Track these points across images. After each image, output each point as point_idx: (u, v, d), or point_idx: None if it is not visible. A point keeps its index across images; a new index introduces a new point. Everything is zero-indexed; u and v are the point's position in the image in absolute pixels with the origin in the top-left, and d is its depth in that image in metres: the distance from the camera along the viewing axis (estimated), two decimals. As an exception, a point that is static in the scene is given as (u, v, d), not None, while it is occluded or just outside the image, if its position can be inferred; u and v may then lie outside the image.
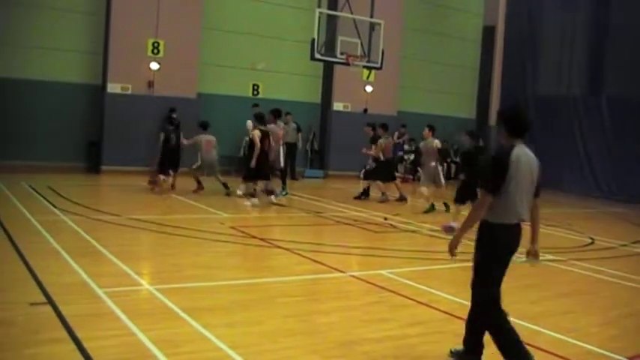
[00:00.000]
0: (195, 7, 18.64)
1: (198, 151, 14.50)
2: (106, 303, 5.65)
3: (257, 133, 12.67)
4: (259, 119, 12.99)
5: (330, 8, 18.47)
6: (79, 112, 17.99)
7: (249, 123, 13.78)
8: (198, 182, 14.34)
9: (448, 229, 10.67)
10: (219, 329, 5.14)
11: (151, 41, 17.97)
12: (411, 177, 21.18)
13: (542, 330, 5.70)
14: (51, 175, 15.25)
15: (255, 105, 16.92)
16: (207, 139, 14.40)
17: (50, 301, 5.55)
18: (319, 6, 16.54)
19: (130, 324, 5.11)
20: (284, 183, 14.94)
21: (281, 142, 14.39)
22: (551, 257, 9.28)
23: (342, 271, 7.62)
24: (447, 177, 22.32)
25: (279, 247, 8.82)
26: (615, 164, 19.28)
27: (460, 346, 4.83)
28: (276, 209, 12.83)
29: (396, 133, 21.82)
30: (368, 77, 21.35)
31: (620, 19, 19.91)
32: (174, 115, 17.40)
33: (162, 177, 14.15)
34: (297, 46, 19.75)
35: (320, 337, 5.19)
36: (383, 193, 14.84)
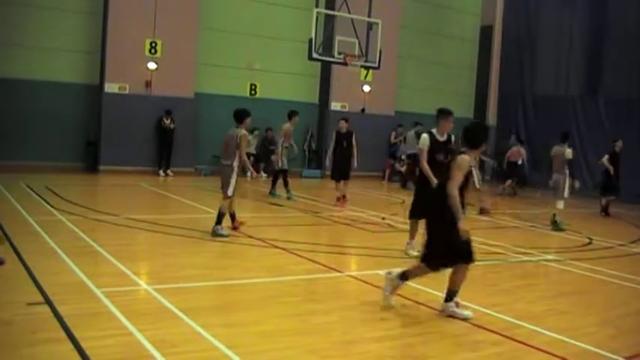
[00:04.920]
0: (192, 7, 18.64)
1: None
2: (104, 303, 5.64)
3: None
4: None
5: (327, 8, 18.47)
6: (76, 112, 18.00)
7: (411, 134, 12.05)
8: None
9: None
10: (217, 329, 5.13)
11: (148, 41, 17.97)
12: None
13: (540, 330, 5.70)
14: (49, 175, 15.23)
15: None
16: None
17: (48, 301, 5.54)
18: (317, 5, 16.54)
19: (127, 324, 5.10)
20: (286, 185, 14.37)
21: (286, 142, 14.40)
22: (549, 257, 9.29)
23: (339, 271, 7.62)
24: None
25: (276, 247, 8.81)
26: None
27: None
28: (275, 209, 12.83)
29: (393, 134, 21.83)
30: (366, 77, 21.36)
31: (618, 19, 19.92)
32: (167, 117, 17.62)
33: None
34: (294, 46, 19.76)
35: (318, 337, 5.18)
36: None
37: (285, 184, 14.22)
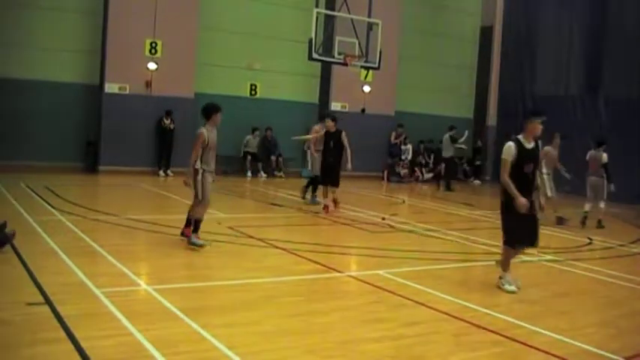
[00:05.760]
0: (192, 7, 18.64)
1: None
2: (104, 303, 5.64)
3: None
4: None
5: (327, 8, 18.49)
6: (76, 112, 18.00)
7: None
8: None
9: None
10: (217, 329, 5.14)
11: (148, 41, 17.97)
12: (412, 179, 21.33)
13: (539, 330, 5.70)
14: (48, 175, 15.23)
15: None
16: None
17: (48, 301, 5.54)
18: (317, 6, 16.56)
19: (127, 324, 5.10)
20: (306, 191, 13.84)
21: (319, 145, 13.26)
22: (549, 257, 9.29)
23: (339, 271, 7.62)
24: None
25: (276, 247, 8.81)
26: (613, 164, 19.25)
27: None
28: (275, 209, 12.82)
29: (394, 134, 21.85)
30: (366, 77, 21.36)
31: (617, 19, 19.91)
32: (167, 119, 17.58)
33: None
34: (294, 46, 19.75)
35: (318, 337, 5.18)
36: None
37: (306, 190, 13.84)
